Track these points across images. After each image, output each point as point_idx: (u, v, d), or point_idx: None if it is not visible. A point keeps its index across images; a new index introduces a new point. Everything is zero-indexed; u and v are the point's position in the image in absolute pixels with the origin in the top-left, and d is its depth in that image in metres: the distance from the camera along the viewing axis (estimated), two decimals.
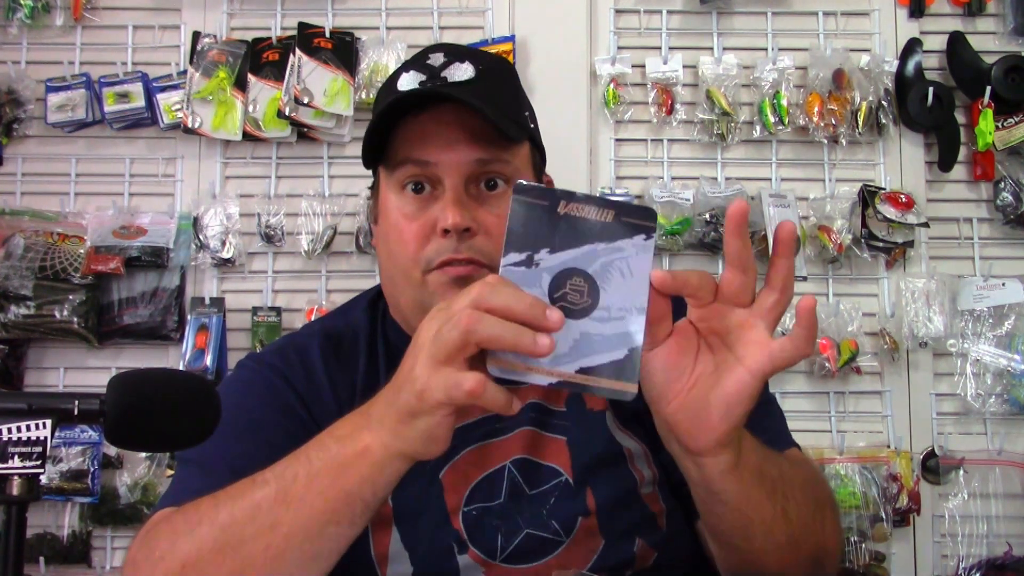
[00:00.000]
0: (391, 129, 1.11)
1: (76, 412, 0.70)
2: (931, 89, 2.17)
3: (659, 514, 1.13)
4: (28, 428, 0.68)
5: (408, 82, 1.12)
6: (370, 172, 1.21)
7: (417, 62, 1.14)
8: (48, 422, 0.68)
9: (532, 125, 1.19)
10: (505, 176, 1.11)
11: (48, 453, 0.69)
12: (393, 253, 1.13)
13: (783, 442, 1.16)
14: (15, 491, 0.68)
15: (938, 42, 2.25)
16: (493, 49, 2.18)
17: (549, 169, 1.25)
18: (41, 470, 0.68)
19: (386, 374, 1.15)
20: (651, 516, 1.12)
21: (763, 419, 1.15)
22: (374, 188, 1.20)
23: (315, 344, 1.19)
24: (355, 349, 1.20)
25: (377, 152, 1.14)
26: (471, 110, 1.07)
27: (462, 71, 1.11)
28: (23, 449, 0.68)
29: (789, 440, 1.18)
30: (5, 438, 0.67)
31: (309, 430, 1.09)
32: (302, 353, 1.18)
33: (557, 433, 1.13)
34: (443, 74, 1.11)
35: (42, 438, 0.68)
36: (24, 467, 0.67)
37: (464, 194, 1.09)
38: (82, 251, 2.12)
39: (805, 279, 2.16)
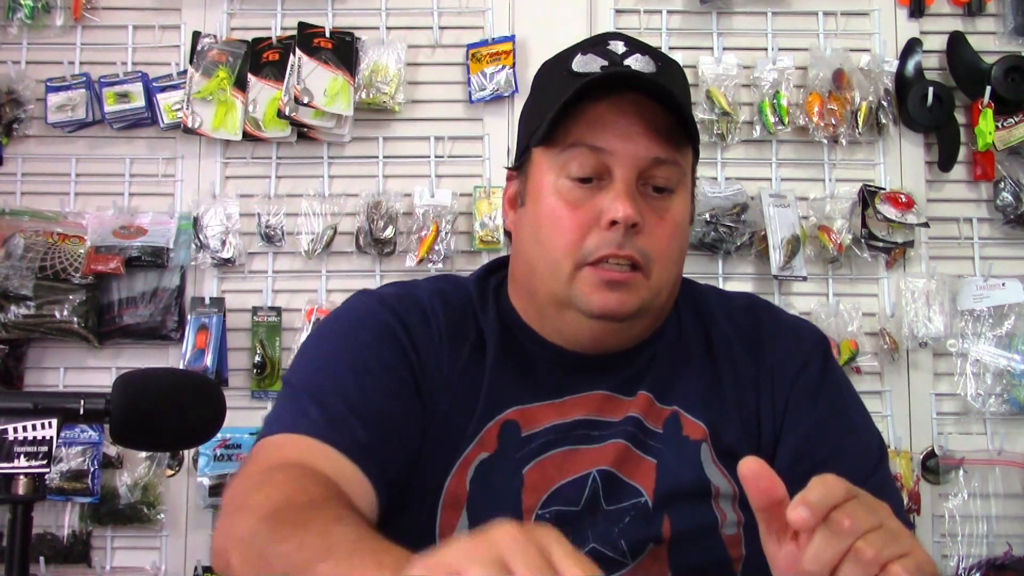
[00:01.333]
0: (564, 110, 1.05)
1: (82, 412, 0.70)
2: (931, 89, 2.17)
3: (736, 560, 1.06)
4: (34, 428, 0.67)
5: (585, 64, 1.07)
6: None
7: (596, 46, 1.09)
8: (54, 422, 0.68)
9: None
10: (673, 183, 1.06)
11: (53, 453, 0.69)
12: (543, 241, 1.07)
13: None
14: (21, 490, 0.68)
15: (938, 42, 2.25)
16: (493, 49, 2.19)
17: None
18: (47, 469, 0.68)
19: (501, 353, 1.11)
20: (727, 560, 1.06)
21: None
22: (520, 168, 1.14)
23: (437, 303, 1.12)
24: (466, 318, 1.13)
25: (539, 131, 1.07)
26: (651, 106, 1.02)
27: (643, 63, 1.06)
28: (29, 449, 0.67)
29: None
30: (11, 438, 0.67)
31: (419, 384, 1.07)
32: (421, 306, 1.12)
33: (649, 454, 1.08)
34: (626, 62, 1.06)
35: (47, 438, 0.68)
36: (30, 466, 0.67)
37: (635, 189, 1.04)
38: (82, 251, 2.12)
39: (805, 279, 2.16)
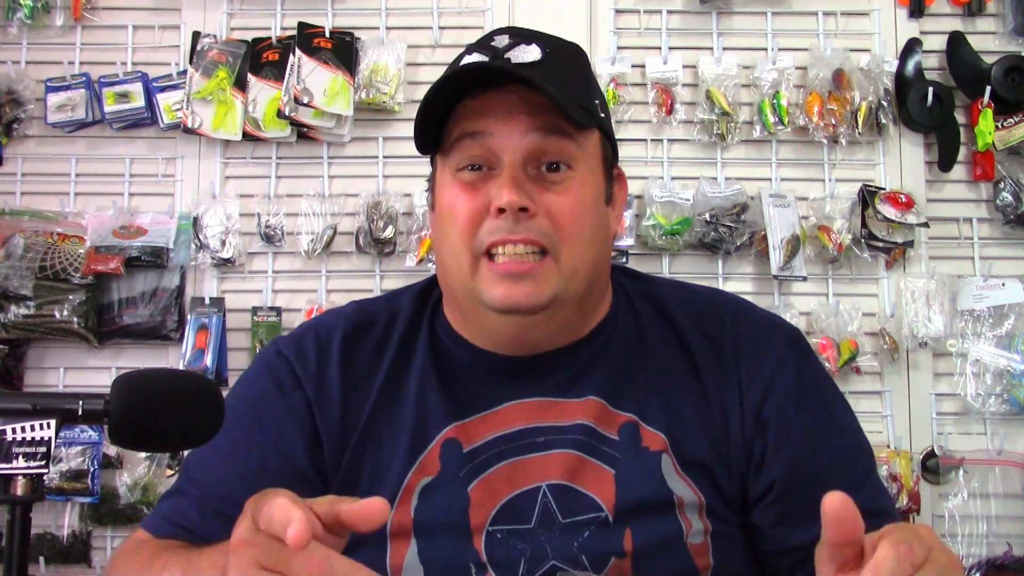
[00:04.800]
0: (449, 113, 1.05)
1: (80, 412, 0.70)
2: (931, 89, 2.16)
3: (704, 569, 1.03)
4: (32, 428, 0.68)
5: (468, 63, 1.06)
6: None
7: (481, 44, 1.08)
8: (52, 422, 0.68)
9: (603, 115, 1.10)
10: (568, 161, 1.03)
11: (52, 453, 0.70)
12: (445, 233, 1.06)
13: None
14: (19, 491, 0.68)
15: (938, 42, 2.25)
16: None
17: None
18: (45, 470, 0.68)
19: (429, 371, 1.10)
20: (694, 570, 1.03)
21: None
22: (431, 179, 1.14)
23: (340, 329, 1.13)
24: (386, 339, 1.13)
25: (433, 137, 1.07)
26: (535, 91, 1.00)
27: (527, 53, 1.04)
28: (27, 449, 0.68)
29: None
30: (10, 438, 0.67)
31: (306, 433, 1.09)
32: (322, 341, 1.13)
33: (605, 462, 1.05)
34: (507, 55, 1.04)
35: (46, 438, 0.68)
36: (28, 467, 0.67)
37: (523, 173, 1.01)
38: (82, 251, 2.12)
39: (805, 279, 2.16)
